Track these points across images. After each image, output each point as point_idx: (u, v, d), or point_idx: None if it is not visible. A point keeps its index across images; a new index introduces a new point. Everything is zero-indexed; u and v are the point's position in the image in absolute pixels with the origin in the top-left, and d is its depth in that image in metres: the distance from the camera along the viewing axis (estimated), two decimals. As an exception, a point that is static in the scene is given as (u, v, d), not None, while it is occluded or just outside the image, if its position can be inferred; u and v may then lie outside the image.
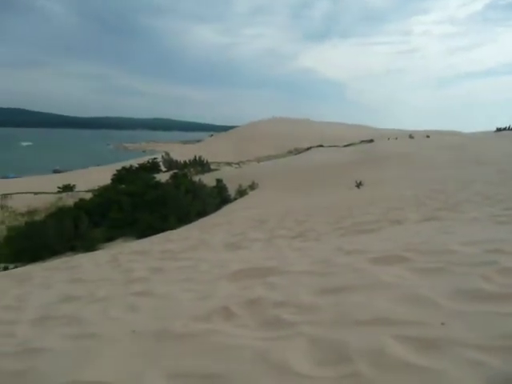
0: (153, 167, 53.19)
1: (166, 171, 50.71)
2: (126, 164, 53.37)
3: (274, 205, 19.66)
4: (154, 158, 57.68)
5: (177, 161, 58.63)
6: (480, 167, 30.55)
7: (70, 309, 3.43)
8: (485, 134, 64.16)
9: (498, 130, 66.45)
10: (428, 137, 67.85)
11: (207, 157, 59.52)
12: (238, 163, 66.19)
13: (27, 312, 3.61)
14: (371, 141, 67.11)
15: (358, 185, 27.53)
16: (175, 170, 44.52)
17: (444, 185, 15.09)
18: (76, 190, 42.07)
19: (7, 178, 71.83)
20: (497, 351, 1.73)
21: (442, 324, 2.03)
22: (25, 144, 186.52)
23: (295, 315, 2.44)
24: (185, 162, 55.82)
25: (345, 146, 65.16)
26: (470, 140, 54.72)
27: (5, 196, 35.92)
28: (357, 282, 2.88)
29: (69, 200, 33.09)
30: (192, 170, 51.85)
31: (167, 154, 63.51)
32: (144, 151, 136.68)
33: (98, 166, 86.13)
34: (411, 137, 69.49)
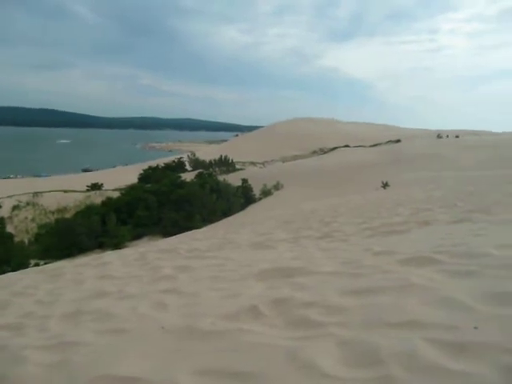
0: (178, 167, 53.90)
1: (191, 171, 51.33)
2: (153, 163, 54.21)
3: (298, 205, 19.58)
4: (180, 158, 58.47)
5: (202, 160, 59.24)
6: (512, 168, 29.65)
7: (100, 304, 3.50)
8: (517, 134, 62.29)
9: (532, 129, 64.40)
10: (457, 137, 66.37)
11: (232, 157, 59.89)
12: (262, 163, 66.31)
13: (60, 306, 3.71)
14: (398, 141, 66.12)
15: (385, 185, 27.14)
16: (200, 170, 44.94)
17: (475, 186, 14.69)
18: (104, 188, 43.00)
19: (40, 176, 74.10)
20: (534, 357, 1.68)
21: (475, 328, 1.99)
22: (62, 141, 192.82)
23: (323, 316, 2.42)
24: (210, 161, 56.33)
25: (371, 146, 64.39)
26: (501, 140, 53.20)
27: (36, 194, 37.03)
28: (386, 284, 2.84)
29: (97, 198, 33.87)
30: (217, 169, 52.27)
31: (193, 153, 64.21)
32: (170, 151, 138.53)
33: (126, 165, 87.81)
34: (439, 137, 68.10)
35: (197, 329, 2.45)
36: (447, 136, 66.67)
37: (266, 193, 35.84)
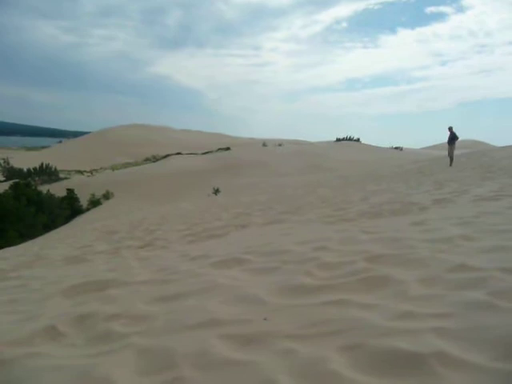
0: (-12, 177, 47.11)
1: (4, 181, 45.48)
2: (-48, 173, 46.24)
3: (128, 214, 18.96)
4: (-10, 167, 51.30)
5: (19, 169, 53.08)
6: (324, 173, 33.95)
7: None
8: (327, 144, 71.42)
9: (338, 139, 74.62)
10: (280, 145, 72.82)
11: (56, 165, 54.84)
12: (90, 171, 62.34)
13: None
14: (228, 148, 69.37)
15: (216, 191, 28.22)
16: (16, 180, 39.88)
17: (292, 190, 16.33)
18: None
19: None
20: (307, 338, 1.92)
21: (265, 319, 2.18)
22: None
23: (127, 327, 2.37)
24: (29, 170, 50.79)
25: (203, 153, 66.13)
26: (315, 148, 60.38)
27: None
28: (194, 287, 2.93)
29: None
30: (37, 179, 47.34)
31: (6, 161, 57.08)
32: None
33: None
34: (265, 145, 73.73)
35: (-21, 362, 2.14)
36: (280, 145, 72.27)
37: (94, 203, 33.82)
